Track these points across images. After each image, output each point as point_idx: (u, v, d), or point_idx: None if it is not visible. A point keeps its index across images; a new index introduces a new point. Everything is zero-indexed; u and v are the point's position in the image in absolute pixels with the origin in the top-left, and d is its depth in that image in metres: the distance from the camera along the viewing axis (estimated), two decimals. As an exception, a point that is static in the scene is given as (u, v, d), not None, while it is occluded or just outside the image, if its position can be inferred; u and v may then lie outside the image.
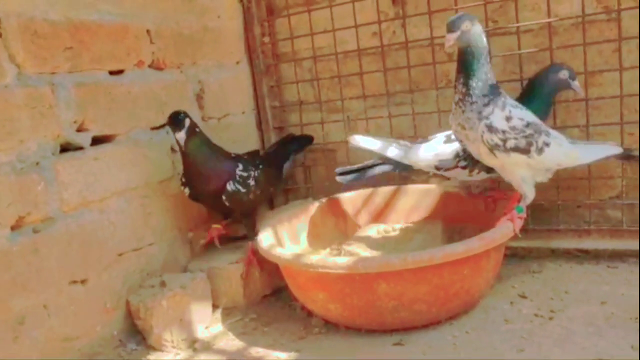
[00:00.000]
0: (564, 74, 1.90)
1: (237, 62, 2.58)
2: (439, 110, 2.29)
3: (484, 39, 1.73)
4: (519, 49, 2.12)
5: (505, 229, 1.74)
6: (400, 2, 2.34)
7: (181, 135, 1.97)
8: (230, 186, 2.07)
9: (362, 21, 2.38)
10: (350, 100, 2.52)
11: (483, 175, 1.97)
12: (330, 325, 1.89)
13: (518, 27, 2.11)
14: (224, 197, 2.06)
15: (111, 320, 1.89)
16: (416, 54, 2.33)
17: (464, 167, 1.97)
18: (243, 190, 2.10)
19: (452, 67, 2.27)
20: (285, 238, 2.12)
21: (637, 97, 2.01)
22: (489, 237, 1.68)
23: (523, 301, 1.89)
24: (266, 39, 2.62)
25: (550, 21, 2.05)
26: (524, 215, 1.81)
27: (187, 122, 1.98)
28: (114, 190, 1.93)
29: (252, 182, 2.13)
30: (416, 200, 2.29)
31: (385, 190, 2.36)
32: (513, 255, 2.21)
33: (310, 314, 1.95)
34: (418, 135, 2.34)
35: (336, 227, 2.33)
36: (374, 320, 1.74)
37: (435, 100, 2.29)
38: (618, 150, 1.85)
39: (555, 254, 2.17)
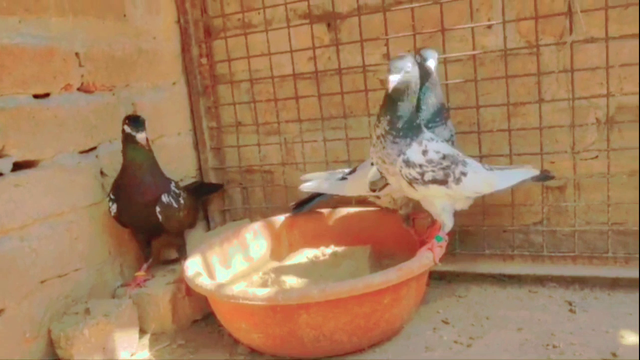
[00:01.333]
0: (417, 59, 1.90)
1: (174, 83, 2.57)
2: (371, 137, 2.32)
3: (418, 82, 1.78)
4: (447, 79, 2.17)
5: (424, 259, 1.78)
6: (334, 28, 2.37)
7: (143, 135, 2.01)
8: (165, 198, 2.10)
9: (298, 46, 2.41)
10: (287, 124, 2.54)
11: None
12: (256, 353, 1.89)
13: (445, 58, 2.16)
14: (158, 209, 2.08)
15: (31, 350, 1.84)
16: (350, 80, 2.37)
17: None
18: (175, 205, 2.14)
19: (383, 94, 2.35)
20: (215, 263, 2.11)
21: (557, 128, 2.10)
22: (407, 268, 1.71)
23: (445, 327, 1.94)
24: (204, 60, 2.62)
25: (474, 53, 2.12)
26: (444, 243, 1.86)
27: (146, 125, 2.04)
28: (37, 217, 1.90)
29: (182, 201, 2.18)
30: (348, 224, 2.32)
31: (319, 214, 2.38)
32: (441, 279, 2.26)
33: (237, 341, 1.95)
34: (351, 160, 2.39)
35: (270, 251, 2.35)
36: (295, 349, 1.76)
37: (368, 126, 2.33)
38: (534, 173, 1.91)
39: (481, 278, 2.22)
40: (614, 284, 2.04)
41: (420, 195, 1.83)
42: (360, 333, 1.74)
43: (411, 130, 1.75)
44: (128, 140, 2.05)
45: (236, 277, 2.17)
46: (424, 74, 1.94)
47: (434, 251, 1.80)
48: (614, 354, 1.66)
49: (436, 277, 2.23)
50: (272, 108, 2.54)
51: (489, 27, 2.15)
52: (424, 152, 1.76)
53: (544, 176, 1.94)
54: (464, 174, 1.80)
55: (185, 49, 2.59)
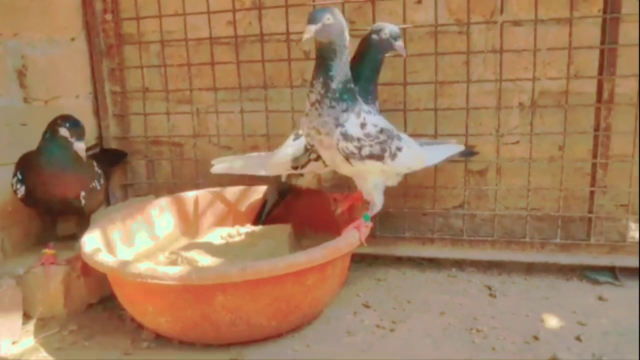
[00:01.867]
0: (384, 34, 1.80)
1: (72, 39, 2.28)
2: (293, 110, 2.19)
3: (347, 37, 1.64)
4: (376, 53, 2.08)
5: (350, 238, 1.67)
6: (257, -9, 2.20)
7: (82, 146, 1.79)
8: (93, 184, 1.95)
9: (216, 7, 2.21)
10: (200, 92, 2.34)
11: None
12: (162, 339, 1.70)
13: (375, 30, 2.06)
14: (82, 194, 1.88)
15: None
16: (272, 49, 2.21)
17: (316, 160, 1.89)
18: (99, 187, 1.98)
19: (308, 65, 2.20)
20: (116, 240, 1.89)
21: (482, 111, 2.07)
22: (333, 247, 1.60)
23: (366, 311, 1.85)
24: (108, 17, 2.34)
25: (405, 27, 2.04)
26: (370, 224, 1.76)
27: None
28: None
29: (102, 181, 2.02)
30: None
31: (233, 191, 2.22)
32: (361, 261, 2.18)
33: (140, 325, 1.75)
34: (271, 134, 2.24)
35: (178, 229, 2.15)
36: (209, 334, 1.59)
37: (290, 99, 2.19)
38: (460, 148, 1.89)
39: (400, 262, 2.16)
40: (530, 268, 2.06)
41: (355, 171, 1.71)
42: (280, 316, 1.60)
43: (346, 92, 1.63)
44: (59, 141, 1.81)
45: (140, 255, 1.96)
46: (384, 51, 1.84)
47: (361, 230, 1.70)
48: (535, 337, 1.65)
49: (355, 260, 2.14)
50: (185, 74, 2.32)
51: (419, 1, 2.08)
52: (362, 125, 1.64)
53: (469, 151, 1.92)
54: (399, 149, 1.71)
55: (86, 1, 2.31)
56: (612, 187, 1.99)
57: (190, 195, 2.19)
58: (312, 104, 1.64)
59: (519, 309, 1.81)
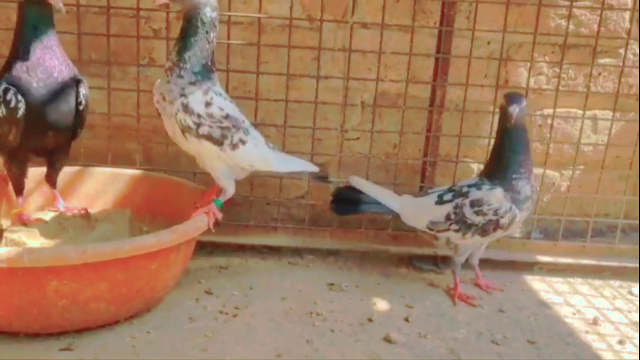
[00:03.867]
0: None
1: None
2: (139, 90, 2.09)
3: (211, 15, 1.64)
4: (229, 39, 2.07)
5: (200, 223, 1.65)
6: (104, -42, 2.07)
7: None
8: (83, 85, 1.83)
9: (55, -30, 2.03)
10: (32, 62, 2.13)
11: None
12: (-26, 331, 1.53)
13: (230, 16, 2.05)
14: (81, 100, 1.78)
15: None
16: (118, 23, 2.09)
17: (456, 231, 1.89)
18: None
19: (157, 44, 2.14)
20: None
21: (327, 107, 2.16)
22: (182, 230, 1.57)
23: (209, 297, 1.84)
24: None
25: (260, 17, 2.06)
26: (220, 214, 1.75)
27: None
28: None
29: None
30: (103, 185, 2.04)
31: (66, 171, 2.04)
32: (201, 249, 2.14)
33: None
34: (112, 113, 2.12)
35: (-2, 209, 1.94)
36: (38, 322, 1.47)
37: (136, 77, 2.09)
38: (314, 169, 1.90)
39: (243, 249, 2.17)
40: (364, 257, 2.19)
41: (195, 150, 1.71)
42: (120, 302, 1.53)
43: (199, 66, 1.63)
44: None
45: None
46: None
47: (210, 216, 1.69)
48: (369, 319, 1.77)
49: (197, 248, 2.11)
50: (7, 38, 2.09)
51: (275, -6, 2.12)
52: (207, 104, 1.65)
53: (322, 176, 1.94)
54: (242, 142, 1.72)
55: None
56: (439, 185, 2.20)
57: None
58: (165, 71, 1.65)
59: (354, 294, 1.93)
